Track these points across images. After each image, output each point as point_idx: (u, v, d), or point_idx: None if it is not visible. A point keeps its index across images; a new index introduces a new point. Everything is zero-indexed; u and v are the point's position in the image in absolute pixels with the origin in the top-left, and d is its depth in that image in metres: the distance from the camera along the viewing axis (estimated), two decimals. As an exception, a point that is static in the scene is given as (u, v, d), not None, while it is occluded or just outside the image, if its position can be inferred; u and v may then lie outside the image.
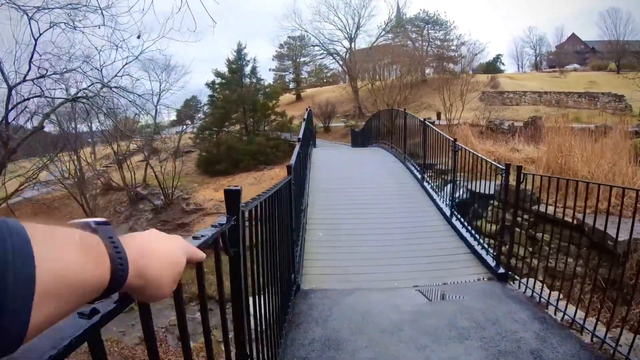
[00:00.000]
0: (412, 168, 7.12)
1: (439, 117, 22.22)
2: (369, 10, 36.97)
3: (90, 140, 20.37)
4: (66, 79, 7.65)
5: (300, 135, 5.69)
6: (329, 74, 46.15)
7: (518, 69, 49.16)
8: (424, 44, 34.07)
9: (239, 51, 21.09)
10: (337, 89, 37.09)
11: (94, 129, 20.26)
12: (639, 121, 14.89)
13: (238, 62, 21.10)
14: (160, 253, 0.51)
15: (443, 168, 6.08)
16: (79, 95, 7.38)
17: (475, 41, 30.15)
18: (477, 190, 4.99)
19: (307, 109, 10.10)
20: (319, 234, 4.62)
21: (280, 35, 38.89)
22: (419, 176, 6.63)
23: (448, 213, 5.18)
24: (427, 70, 34.86)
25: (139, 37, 6.11)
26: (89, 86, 7.32)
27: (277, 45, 41.18)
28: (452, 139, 5.15)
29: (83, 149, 20.20)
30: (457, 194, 5.27)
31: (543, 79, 36.34)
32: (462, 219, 4.90)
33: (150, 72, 21.50)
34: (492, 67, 43.13)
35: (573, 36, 49.93)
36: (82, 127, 20.14)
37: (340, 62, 38.30)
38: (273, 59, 42.03)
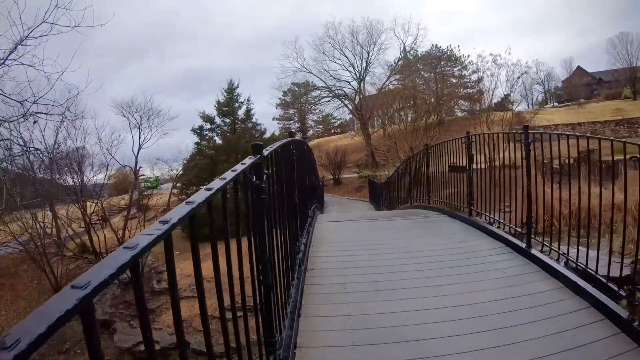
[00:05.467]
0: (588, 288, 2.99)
1: (471, 161, 18.26)
2: (378, 46, 33.00)
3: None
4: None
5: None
6: (336, 124, 43.08)
7: (528, 106, 46.83)
8: (438, 84, 30.57)
9: (231, 90, 17.90)
10: (347, 136, 33.59)
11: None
12: None
13: (229, 104, 17.95)
14: None
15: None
16: None
17: (517, 61, 24.30)
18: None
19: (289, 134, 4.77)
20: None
21: (282, 78, 34.58)
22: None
23: None
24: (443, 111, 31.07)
25: None
26: None
27: (281, 93, 37.27)
28: None
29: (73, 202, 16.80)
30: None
31: (564, 112, 33.70)
32: None
33: (130, 117, 18.70)
34: (503, 108, 40.39)
35: (579, 69, 49.13)
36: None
37: (350, 106, 34.50)
38: (276, 107, 38.81)
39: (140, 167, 20.51)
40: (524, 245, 3.62)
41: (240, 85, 17.96)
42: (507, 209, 4.43)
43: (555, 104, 44.39)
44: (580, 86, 45.89)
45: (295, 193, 2.98)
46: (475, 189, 4.97)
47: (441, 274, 3.18)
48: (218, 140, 17.96)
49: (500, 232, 4.11)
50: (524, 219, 3.85)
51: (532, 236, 3.58)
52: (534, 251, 3.57)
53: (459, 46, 33.56)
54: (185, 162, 20.20)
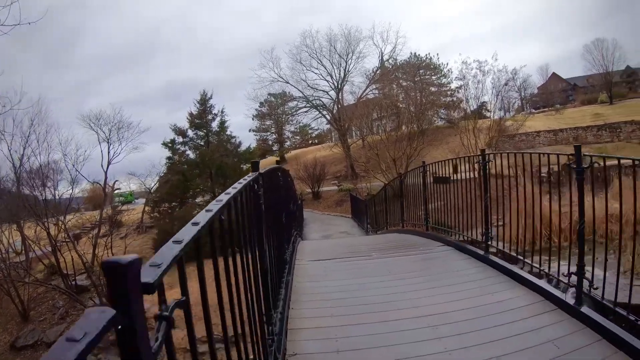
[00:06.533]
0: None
1: (455, 171, 17.49)
2: (357, 54, 32.16)
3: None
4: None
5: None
6: (314, 135, 42.16)
7: (504, 113, 47.22)
8: (417, 92, 29.85)
9: (204, 102, 16.73)
10: (325, 147, 32.70)
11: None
12: None
13: (203, 116, 16.77)
14: None
15: None
16: None
17: (504, 67, 23.50)
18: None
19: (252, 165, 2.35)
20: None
21: (257, 88, 33.18)
22: None
23: None
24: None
25: None
26: None
27: (257, 104, 36.15)
28: None
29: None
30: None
31: (544, 118, 33.97)
32: None
33: (98, 131, 17.38)
34: (480, 116, 40.26)
35: (554, 75, 50.36)
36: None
37: (328, 116, 33.57)
38: (253, 119, 37.73)
39: (115, 181, 19.35)
40: (572, 302, 2.74)
41: (221, 97, 17.09)
42: (500, 223, 4.14)
43: (532, 111, 45.07)
44: (555, 92, 47.03)
45: (265, 258, 2.00)
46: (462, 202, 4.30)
47: (477, 358, 2.23)
48: (191, 155, 16.72)
49: (531, 277, 3.23)
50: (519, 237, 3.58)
51: (585, 291, 2.69)
52: (585, 309, 2.68)
53: (437, 54, 33.29)
54: (161, 176, 18.89)
